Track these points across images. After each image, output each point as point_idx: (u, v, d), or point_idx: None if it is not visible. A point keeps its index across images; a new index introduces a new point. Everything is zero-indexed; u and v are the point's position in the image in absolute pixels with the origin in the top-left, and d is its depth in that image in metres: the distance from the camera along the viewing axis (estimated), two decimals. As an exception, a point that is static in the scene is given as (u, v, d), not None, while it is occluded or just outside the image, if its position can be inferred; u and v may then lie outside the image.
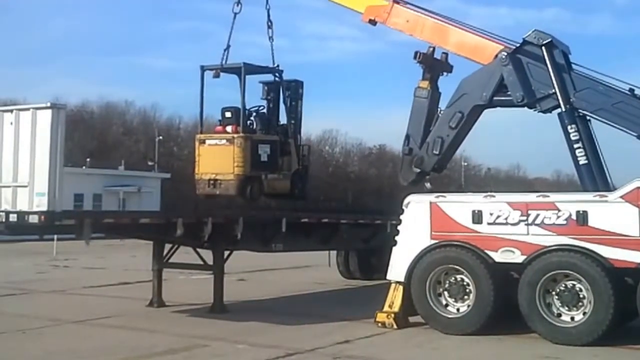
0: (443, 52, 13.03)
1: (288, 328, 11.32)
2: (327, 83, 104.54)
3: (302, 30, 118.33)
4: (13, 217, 10.18)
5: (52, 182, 10.03)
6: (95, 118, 71.77)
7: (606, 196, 10.06)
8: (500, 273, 10.47)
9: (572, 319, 9.95)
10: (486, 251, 10.50)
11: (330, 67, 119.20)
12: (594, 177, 11.12)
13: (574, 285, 9.95)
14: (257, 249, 13.90)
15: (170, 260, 13.63)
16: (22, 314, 12.77)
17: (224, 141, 14.12)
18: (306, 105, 15.29)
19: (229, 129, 14.17)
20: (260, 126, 14.61)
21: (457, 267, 10.77)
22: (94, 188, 48.22)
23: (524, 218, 10.31)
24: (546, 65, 11.46)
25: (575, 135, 11.21)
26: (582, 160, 11.17)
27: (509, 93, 11.83)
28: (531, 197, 10.59)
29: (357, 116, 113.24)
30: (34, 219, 10.08)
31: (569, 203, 10.14)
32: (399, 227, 11.36)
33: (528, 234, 10.25)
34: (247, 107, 14.46)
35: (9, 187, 10.41)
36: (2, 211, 10.27)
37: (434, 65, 12.95)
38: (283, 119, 15.21)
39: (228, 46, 14.62)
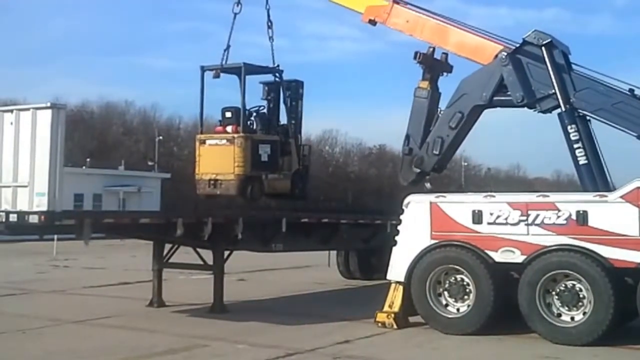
0: (443, 53, 13.04)
1: (288, 328, 11.32)
2: (327, 83, 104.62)
3: (302, 30, 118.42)
4: (13, 217, 10.17)
5: (52, 182, 10.03)
6: (95, 118, 71.78)
7: (606, 196, 10.06)
8: (500, 273, 10.47)
9: (572, 319, 9.95)
10: (486, 251, 10.51)
11: (330, 67, 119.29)
12: (594, 177, 11.12)
13: (574, 285, 9.96)
14: (257, 249, 13.91)
15: (170, 260, 13.63)
16: (22, 314, 12.78)
17: (224, 141, 14.12)
18: (306, 105, 15.32)
19: (229, 129, 14.17)
20: (260, 126, 14.61)
21: (457, 267, 10.77)
22: (94, 188, 48.22)
23: (524, 218, 10.31)
24: (546, 65, 11.46)
25: (575, 135, 11.22)
26: (582, 160, 11.17)
27: (508, 93, 11.83)
28: (531, 197, 10.59)
29: (357, 116, 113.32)
30: (34, 219, 10.08)
31: (569, 203, 10.14)
32: (399, 227, 11.36)
33: (528, 234, 10.25)
34: (248, 107, 14.47)
35: (9, 187, 10.42)
36: (2, 211, 10.27)
37: (434, 65, 12.96)
38: (283, 119, 15.22)
39: (228, 46, 14.64)
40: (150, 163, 63.32)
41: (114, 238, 23.99)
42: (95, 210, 37.70)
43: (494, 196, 10.80)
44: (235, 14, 14.95)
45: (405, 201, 11.31)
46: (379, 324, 11.10)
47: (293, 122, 15.11)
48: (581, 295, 9.90)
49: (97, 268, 21.91)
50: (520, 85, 11.67)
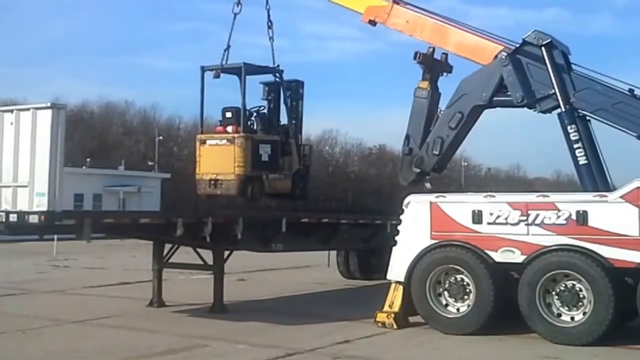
0: (443, 53, 13.05)
1: (288, 328, 11.32)
2: (327, 83, 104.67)
3: (302, 30, 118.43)
4: (13, 217, 10.17)
5: (52, 182, 10.03)
6: (95, 118, 71.77)
7: (606, 196, 10.06)
8: (500, 273, 10.47)
9: (572, 319, 9.95)
10: (486, 251, 10.51)
11: (330, 67, 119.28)
12: (594, 177, 11.12)
13: (574, 285, 9.96)
14: (257, 249, 13.91)
15: (170, 260, 13.63)
16: (22, 314, 12.78)
17: (224, 141, 14.12)
18: (306, 105, 15.31)
19: (229, 129, 14.16)
20: (260, 126, 14.60)
21: (457, 267, 10.77)
22: (94, 188, 48.21)
23: (524, 218, 10.31)
24: (546, 65, 11.46)
25: (575, 136, 11.22)
26: (582, 160, 11.18)
27: (508, 93, 11.84)
28: (531, 197, 10.60)
29: (357, 116, 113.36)
30: (34, 219, 10.07)
31: (569, 203, 10.14)
32: (399, 227, 11.36)
33: (528, 234, 10.26)
34: (248, 108, 14.47)
35: (9, 187, 10.41)
36: (2, 211, 10.27)
37: (433, 65, 12.96)
38: (284, 119, 15.22)
39: (228, 46, 14.63)
40: (150, 163, 63.32)
41: (114, 238, 23.95)
42: (95, 210, 37.69)
43: (494, 196, 10.81)
44: (235, 14, 14.95)
45: (405, 201, 11.31)
46: (379, 324, 11.10)
47: (293, 122, 15.10)
48: (581, 295, 9.90)
49: (97, 268, 21.91)
50: (520, 86, 11.67)
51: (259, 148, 14.14)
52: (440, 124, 12.47)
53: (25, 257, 25.65)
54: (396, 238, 11.34)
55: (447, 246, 10.84)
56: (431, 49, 12.90)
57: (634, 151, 11.66)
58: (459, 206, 10.92)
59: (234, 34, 14.75)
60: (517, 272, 10.30)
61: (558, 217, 10.10)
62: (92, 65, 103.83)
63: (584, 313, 9.84)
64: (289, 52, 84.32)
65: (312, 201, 17.16)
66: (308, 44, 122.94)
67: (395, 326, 11.01)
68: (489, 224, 10.58)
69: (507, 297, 10.40)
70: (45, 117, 10.19)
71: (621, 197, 9.85)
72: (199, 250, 13.35)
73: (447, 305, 10.94)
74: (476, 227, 10.65)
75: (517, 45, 11.85)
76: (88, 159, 56.21)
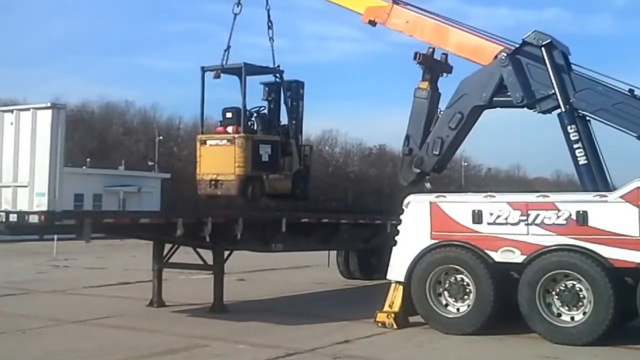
0: (443, 53, 13.04)
1: (288, 328, 11.32)
2: (327, 83, 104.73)
3: (302, 30, 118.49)
4: (13, 217, 10.17)
5: (52, 182, 10.02)
6: (95, 118, 71.78)
7: (606, 196, 10.06)
8: (500, 273, 10.47)
9: (572, 318, 9.96)
10: (486, 251, 10.51)
11: (330, 67, 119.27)
12: (594, 177, 11.13)
13: (574, 285, 9.96)
14: (257, 249, 13.90)
15: (170, 260, 13.63)
16: (22, 314, 12.78)
17: (225, 141, 14.12)
18: (306, 106, 15.30)
19: (229, 129, 14.16)
20: (261, 127, 14.59)
21: (457, 267, 10.77)
22: (94, 188, 48.23)
23: (524, 218, 10.31)
24: (546, 66, 11.46)
25: (574, 136, 11.22)
26: (582, 161, 11.18)
27: (508, 94, 11.83)
28: (531, 197, 10.60)
29: (357, 116, 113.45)
30: (34, 219, 10.07)
31: (569, 203, 10.14)
32: (399, 227, 11.36)
33: (528, 233, 10.26)
34: (248, 108, 14.47)
35: (9, 187, 10.41)
36: (2, 211, 10.26)
37: (433, 66, 12.96)
38: (284, 119, 15.21)
39: (228, 47, 14.62)
40: (150, 163, 63.34)
41: (114, 238, 23.96)
42: (95, 210, 37.71)
43: (494, 196, 10.81)
44: (236, 15, 14.94)
45: (405, 201, 11.31)
46: (379, 324, 11.11)
47: (294, 122, 15.10)
48: (581, 295, 9.90)
49: (97, 268, 21.91)
50: (520, 86, 11.67)
51: (259, 148, 14.14)
52: (440, 124, 12.47)
53: (25, 257, 25.65)
54: (396, 238, 11.34)
55: (447, 246, 10.84)
56: (431, 50, 12.90)
57: (634, 151, 11.68)
58: (459, 206, 10.92)
59: (234, 35, 14.77)
60: (517, 272, 10.30)
61: (558, 217, 10.10)
62: (92, 65, 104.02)
63: (584, 313, 9.84)
64: (289, 52, 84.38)
65: (312, 201, 17.16)
66: (308, 44, 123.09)
67: (395, 326, 11.01)
68: (489, 224, 10.58)
69: (507, 297, 10.40)
70: (45, 117, 10.18)
71: (621, 197, 9.86)
72: (199, 250, 13.35)
73: (447, 305, 10.94)
74: (476, 227, 10.65)
75: (517, 46, 11.85)
76: (88, 159, 56.23)
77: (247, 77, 14.38)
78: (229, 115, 14.28)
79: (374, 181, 78.33)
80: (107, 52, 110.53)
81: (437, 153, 12.36)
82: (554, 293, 10.10)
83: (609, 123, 11.31)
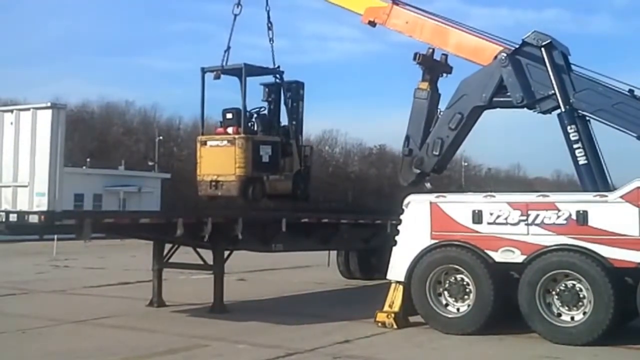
0: (443, 54, 13.04)
1: (288, 328, 11.32)
2: (328, 83, 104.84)
3: (302, 30, 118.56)
4: (13, 217, 10.18)
5: (52, 182, 10.03)
6: (95, 118, 71.78)
7: (606, 196, 10.07)
8: (500, 273, 10.47)
9: (572, 318, 9.96)
10: (486, 251, 10.51)
11: (330, 67, 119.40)
12: (594, 177, 11.12)
13: (574, 285, 9.96)
14: (257, 249, 13.91)
15: (170, 260, 13.63)
16: (22, 314, 12.78)
17: (225, 142, 14.12)
18: (306, 106, 15.33)
19: (230, 130, 14.17)
20: (261, 127, 14.61)
21: (457, 266, 10.77)
22: (94, 188, 48.23)
23: (524, 218, 10.31)
24: (546, 66, 11.46)
25: (574, 136, 11.22)
26: (582, 161, 11.18)
27: (508, 94, 11.83)
28: (531, 197, 10.60)
29: (357, 116, 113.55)
30: (34, 219, 10.08)
31: (569, 203, 10.14)
32: (399, 227, 11.36)
33: (528, 233, 10.26)
34: (248, 109, 14.48)
35: (9, 187, 10.41)
36: (2, 211, 10.27)
37: (433, 66, 12.96)
38: (284, 120, 15.22)
39: (228, 48, 14.63)
40: (150, 163, 63.36)
41: (114, 238, 23.96)
42: (95, 210, 37.72)
43: (494, 196, 10.81)
44: (235, 16, 14.94)
45: (406, 201, 11.32)
46: (379, 324, 11.11)
47: (294, 123, 15.11)
48: (581, 295, 9.91)
49: (97, 268, 21.90)
50: (520, 86, 11.67)
51: (259, 149, 14.14)
52: (440, 124, 12.47)
53: (25, 257, 25.66)
54: (396, 238, 11.34)
55: (447, 246, 10.85)
56: (431, 50, 12.90)
57: (634, 151, 11.68)
58: (459, 206, 10.92)
59: (234, 35, 14.79)
60: (517, 272, 10.30)
61: (558, 217, 10.10)
62: (92, 65, 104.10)
63: (584, 313, 9.84)
64: (289, 52, 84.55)
65: (312, 201, 17.17)
66: (308, 44, 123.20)
67: (395, 326, 11.01)
68: (489, 224, 10.58)
69: (507, 297, 10.40)
70: (45, 117, 10.19)
71: (621, 197, 9.86)
72: (199, 250, 13.35)
73: (447, 305, 10.94)
74: (476, 227, 10.65)
75: (517, 46, 11.85)
76: (88, 159, 56.24)
77: (247, 78, 14.39)
78: (229, 116, 14.29)
79: (374, 181, 78.37)
80: (107, 52, 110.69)
81: (437, 153, 12.36)
82: (554, 293, 10.10)
83: (608, 123, 11.31)
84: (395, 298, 11.20)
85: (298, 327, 11.36)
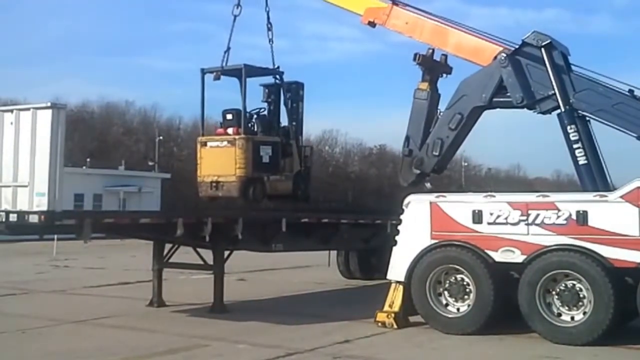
0: (442, 54, 13.04)
1: (288, 328, 11.32)
2: (328, 83, 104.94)
3: (302, 30, 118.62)
4: (13, 217, 10.17)
5: (52, 182, 10.02)
6: (95, 118, 71.80)
7: (606, 196, 10.07)
8: (501, 273, 10.47)
9: (572, 318, 9.96)
10: (486, 251, 10.51)
11: (330, 67, 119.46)
12: (594, 177, 11.13)
13: (574, 285, 9.96)
14: (257, 249, 13.91)
15: (171, 260, 13.63)
16: (22, 314, 12.78)
17: (225, 143, 14.12)
18: (306, 106, 15.32)
19: (230, 131, 14.17)
20: (261, 128, 14.61)
21: (457, 266, 10.77)
22: (94, 188, 48.25)
23: (524, 218, 10.32)
24: (545, 66, 11.46)
25: (574, 136, 11.23)
26: (582, 161, 11.19)
27: (508, 94, 11.84)
28: (531, 197, 10.60)
29: (357, 116, 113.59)
30: (34, 219, 10.07)
31: (569, 203, 10.14)
32: (399, 227, 11.36)
33: (528, 233, 10.26)
34: (248, 110, 14.48)
35: (9, 187, 10.41)
36: (2, 211, 10.26)
37: (433, 66, 12.96)
38: (284, 120, 15.22)
39: (228, 48, 14.61)
40: (150, 163, 63.37)
41: (114, 238, 23.96)
42: (95, 210, 37.72)
43: (494, 196, 10.81)
44: (235, 17, 14.94)
45: (406, 201, 11.32)
46: (379, 324, 11.11)
47: (294, 123, 15.11)
48: (581, 295, 9.91)
49: (97, 268, 21.91)
50: (520, 87, 11.67)
51: (259, 150, 14.14)
52: (440, 125, 12.47)
53: (25, 257, 25.66)
54: (396, 238, 11.34)
55: (447, 246, 10.85)
56: (431, 50, 12.90)
57: (634, 151, 11.68)
58: (459, 206, 10.92)
59: (234, 35, 14.78)
60: (517, 272, 10.30)
61: (558, 217, 10.11)
62: (92, 65, 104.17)
63: (584, 313, 9.84)
64: (289, 52, 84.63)
65: (312, 202, 17.18)
66: (308, 44, 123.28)
67: (395, 326, 11.01)
68: (489, 223, 10.58)
69: (507, 297, 10.40)
70: (45, 117, 10.18)
71: (621, 197, 9.86)
72: (199, 250, 13.35)
73: (447, 305, 10.94)
74: (476, 227, 10.66)
75: (517, 47, 11.86)
76: (88, 159, 56.26)
77: (247, 79, 14.38)
78: (229, 116, 14.29)
79: (374, 181, 78.39)
80: (107, 52, 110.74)
81: (437, 154, 12.36)
82: (554, 293, 10.10)
83: (608, 123, 11.31)
84: (395, 298, 11.20)
85: (298, 327, 11.36)
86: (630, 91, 11.35)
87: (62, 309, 13.40)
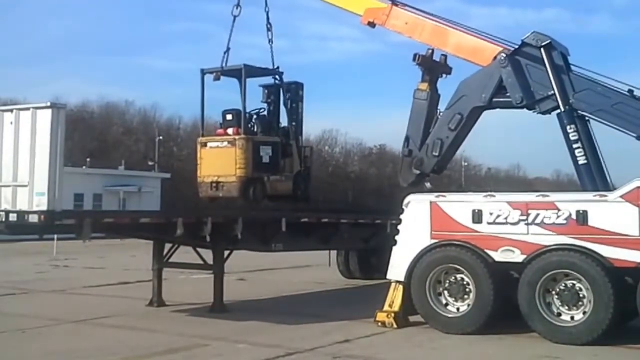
0: (442, 54, 13.03)
1: (288, 328, 11.32)
2: (328, 83, 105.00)
3: (302, 31, 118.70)
4: (13, 217, 10.17)
5: (52, 182, 10.03)
6: (95, 118, 71.80)
7: (606, 196, 10.07)
8: (501, 273, 10.48)
9: (572, 318, 9.96)
10: (486, 251, 10.52)
11: (330, 67, 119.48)
12: (594, 177, 11.13)
13: (574, 284, 9.96)
14: (257, 249, 13.91)
15: (171, 260, 13.64)
16: (22, 314, 12.79)
17: (225, 143, 14.12)
18: (306, 106, 15.33)
19: (230, 131, 14.17)
20: (261, 129, 14.61)
21: (457, 266, 10.78)
22: (95, 188, 48.27)
23: (524, 218, 10.32)
24: (545, 67, 11.47)
25: (574, 136, 11.23)
26: (582, 161, 11.19)
27: (508, 95, 11.83)
28: (531, 197, 10.60)
29: (357, 116, 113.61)
30: (34, 218, 10.07)
31: (569, 203, 10.15)
32: (399, 227, 11.37)
33: (528, 233, 10.26)
34: (248, 110, 14.48)
35: (9, 187, 10.41)
36: (2, 211, 10.26)
37: (433, 67, 12.96)
38: (284, 121, 15.21)
39: (228, 49, 14.61)
40: (150, 163, 63.36)
41: (114, 238, 23.98)
42: (95, 210, 37.70)
43: (494, 196, 10.81)
44: (235, 17, 14.94)
45: (406, 201, 11.32)
46: (379, 324, 11.11)
47: (294, 124, 15.11)
48: (581, 295, 9.91)
49: (97, 268, 21.92)
50: (520, 87, 11.67)
51: (260, 150, 14.15)
52: (440, 125, 12.47)
53: (25, 257, 25.67)
54: (396, 238, 11.34)
55: (447, 246, 10.85)
56: (430, 51, 12.89)
57: (634, 151, 11.68)
58: (459, 206, 10.92)
59: (234, 36, 14.78)
60: (517, 272, 10.31)
61: (558, 217, 10.11)
62: (92, 65, 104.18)
63: (584, 313, 9.84)
64: (289, 52, 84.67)
65: (312, 202, 17.19)
66: (308, 44, 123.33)
67: (395, 326, 11.02)
68: (489, 223, 10.58)
69: (507, 297, 10.41)
70: (45, 117, 10.18)
71: (621, 197, 9.86)
72: (199, 250, 13.36)
73: (447, 304, 10.94)
74: (476, 226, 10.66)
75: (517, 47, 11.86)
76: (88, 159, 56.25)
77: (247, 79, 14.38)
78: (229, 117, 14.30)
79: (374, 181, 78.39)
80: (107, 52, 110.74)
81: (437, 154, 12.36)
82: (554, 293, 10.10)
83: (608, 124, 11.31)
84: (395, 298, 11.21)
85: (298, 327, 11.36)
86: (630, 91, 11.35)
87: (62, 309, 13.41)
